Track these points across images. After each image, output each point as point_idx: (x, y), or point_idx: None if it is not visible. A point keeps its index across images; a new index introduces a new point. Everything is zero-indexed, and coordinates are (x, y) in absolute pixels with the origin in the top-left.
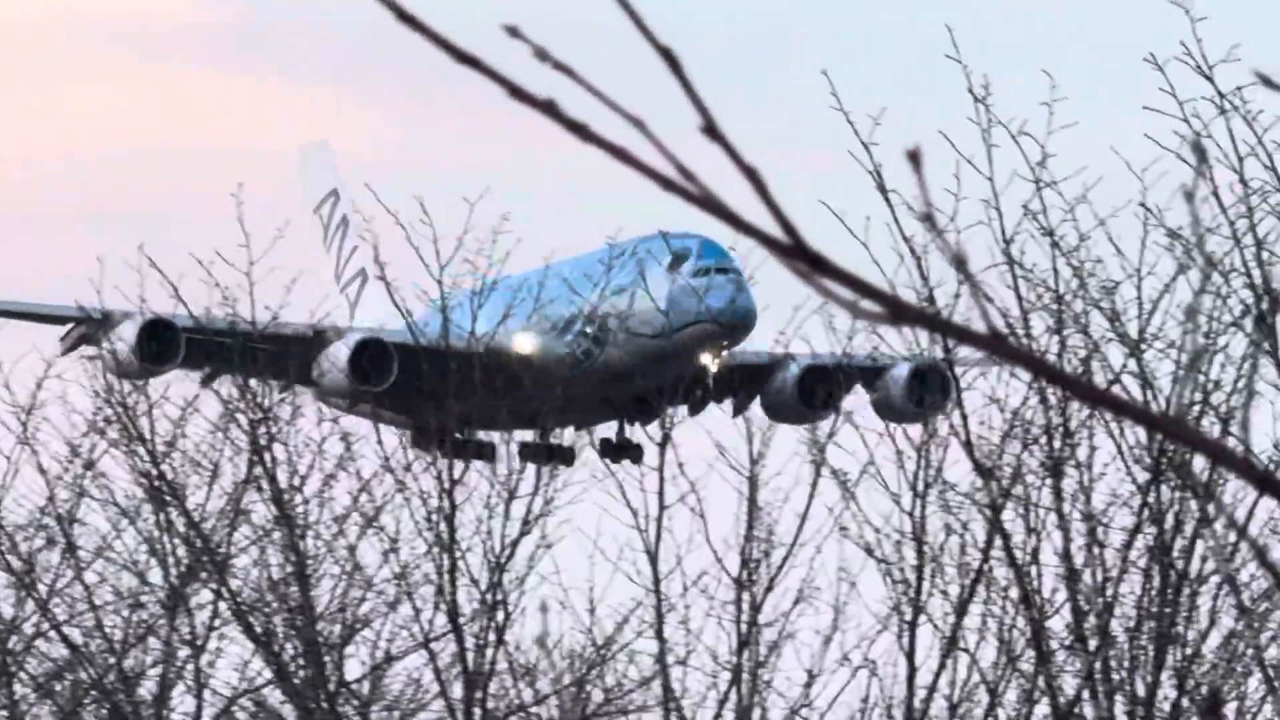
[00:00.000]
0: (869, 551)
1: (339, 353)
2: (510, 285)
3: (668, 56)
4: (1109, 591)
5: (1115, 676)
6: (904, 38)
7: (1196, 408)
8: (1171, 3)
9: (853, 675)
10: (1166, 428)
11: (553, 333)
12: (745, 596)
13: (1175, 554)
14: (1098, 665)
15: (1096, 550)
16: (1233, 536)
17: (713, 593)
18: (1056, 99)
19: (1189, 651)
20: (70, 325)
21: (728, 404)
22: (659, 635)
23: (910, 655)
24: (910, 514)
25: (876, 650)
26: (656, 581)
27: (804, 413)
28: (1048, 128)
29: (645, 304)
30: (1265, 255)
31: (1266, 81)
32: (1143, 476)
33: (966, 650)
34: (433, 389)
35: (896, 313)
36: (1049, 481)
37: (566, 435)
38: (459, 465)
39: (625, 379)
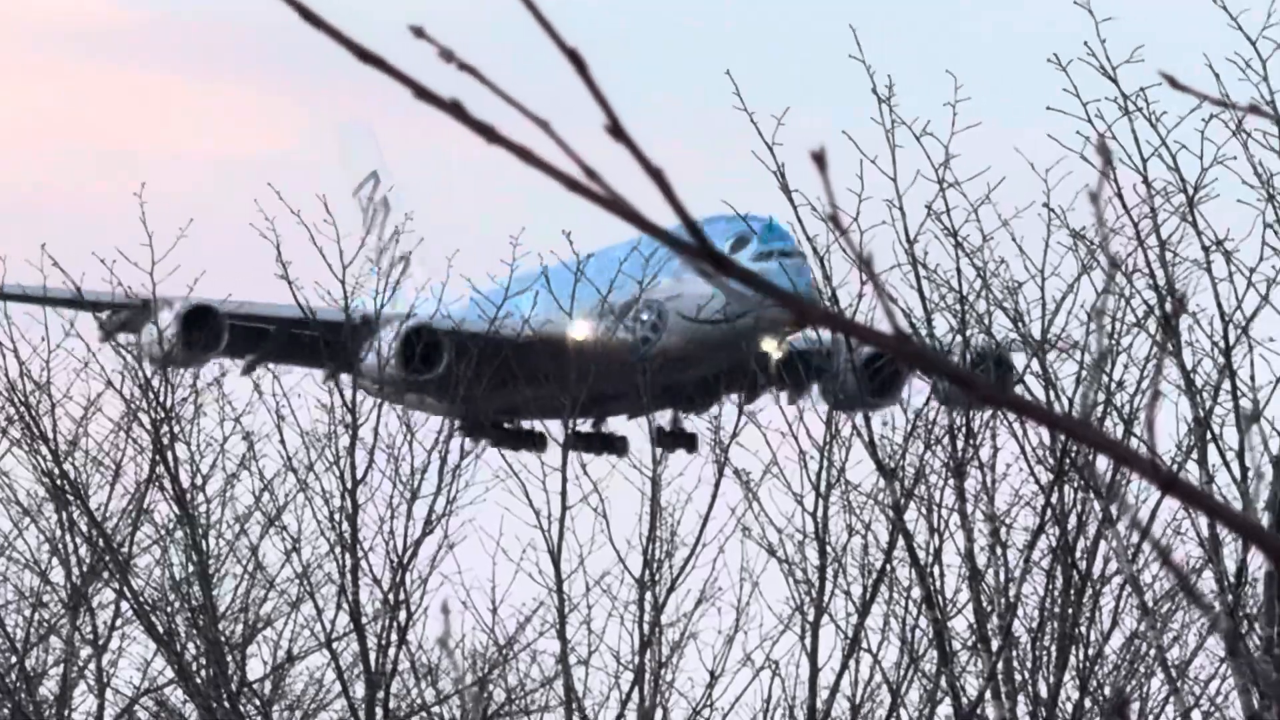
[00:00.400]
0: (771, 552)
1: (388, 340)
2: (560, 271)
3: (574, 58)
4: (1011, 592)
5: (1018, 677)
6: (807, 39)
7: (1100, 409)
8: (1075, 4)
9: (755, 675)
10: (1069, 428)
11: (610, 319)
12: (648, 596)
13: (1078, 555)
14: (1000, 665)
15: (999, 551)
16: (1135, 537)
17: (615, 593)
18: (960, 100)
19: (1092, 652)
20: (108, 312)
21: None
22: (561, 635)
23: (813, 655)
24: (813, 514)
25: (779, 650)
26: (559, 581)
27: (866, 400)
28: (951, 128)
29: (706, 288)
30: (1169, 256)
31: (1172, 82)
32: (1045, 477)
33: (869, 650)
34: (485, 377)
35: (801, 314)
36: (951, 482)
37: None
38: (509, 452)
39: (685, 366)
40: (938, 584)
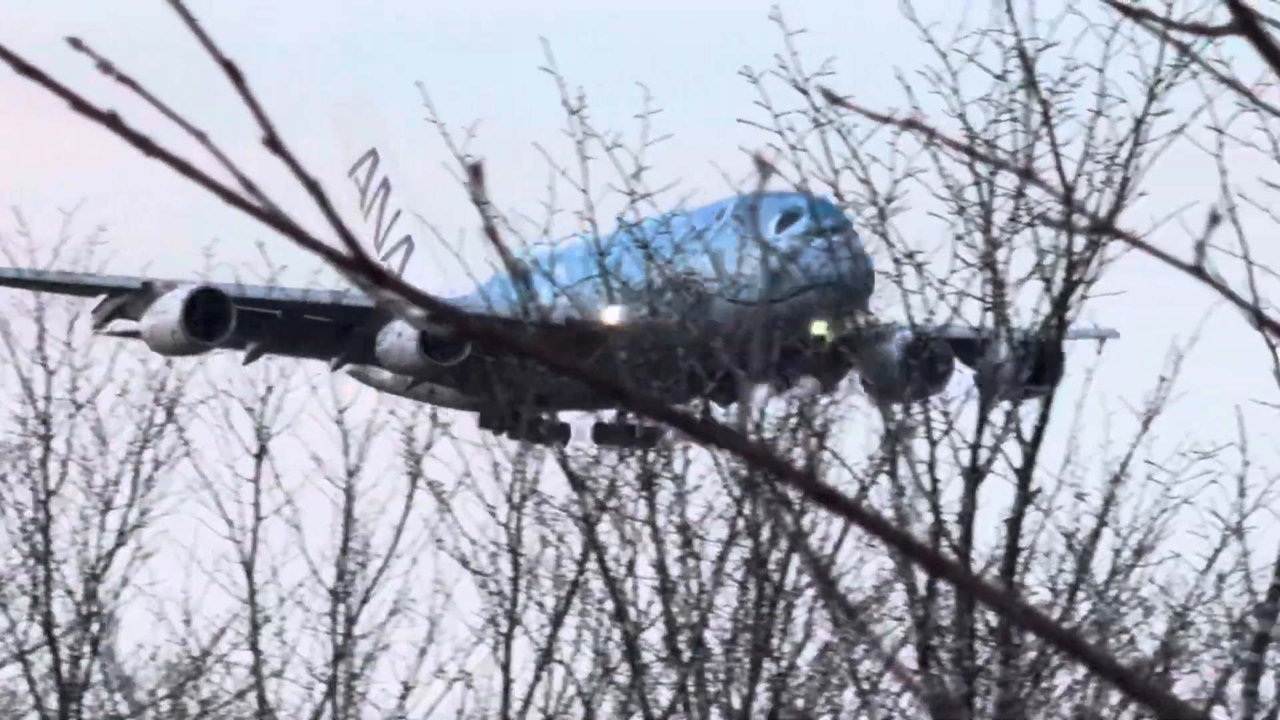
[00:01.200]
0: (465, 563)
1: (409, 325)
2: (584, 251)
3: (230, 69)
4: (704, 603)
5: (711, 688)
6: (498, 49)
7: (788, 431)
8: (770, 17)
9: (449, 687)
10: (755, 455)
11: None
12: (341, 608)
13: (771, 566)
14: (692, 677)
15: (692, 562)
16: (828, 550)
17: (308, 604)
18: (652, 111)
19: (785, 664)
20: (103, 297)
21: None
22: (254, 647)
23: (505, 667)
24: (506, 526)
25: (472, 662)
26: (252, 593)
27: (911, 389)
28: (643, 140)
29: (750, 268)
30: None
31: (831, 98)
32: (737, 490)
33: (562, 662)
34: (505, 366)
35: (461, 328)
36: (643, 493)
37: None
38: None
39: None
40: (630, 596)
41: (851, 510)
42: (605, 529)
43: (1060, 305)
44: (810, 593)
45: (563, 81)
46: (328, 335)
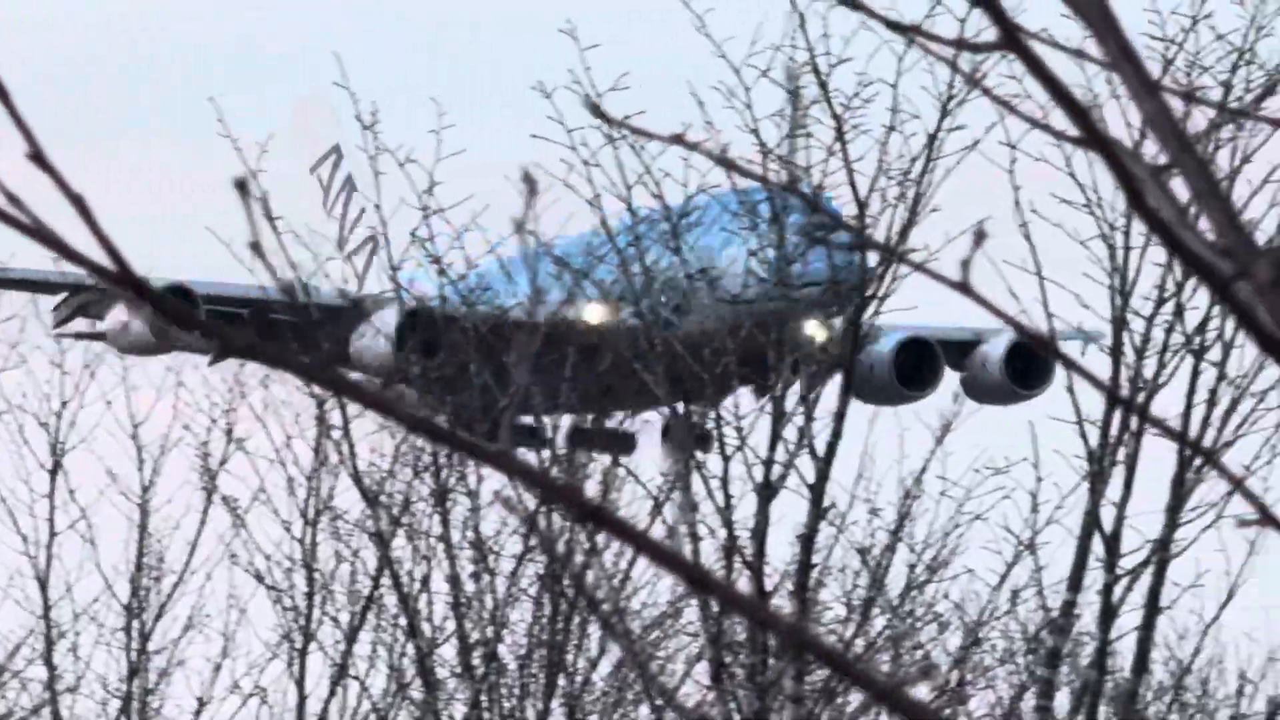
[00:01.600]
0: (259, 579)
1: (385, 323)
2: (569, 247)
3: None
4: (498, 619)
5: (505, 704)
6: (292, 65)
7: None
8: (561, 31)
9: (243, 703)
10: (535, 480)
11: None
12: (135, 624)
13: (566, 582)
14: (487, 692)
15: (486, 578)
16: (624, 565)
17: (103, 620)
18: (445, 126)
19: (580, 679)
20: (64, 295)
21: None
22: (48, 663)
23: (300, 682)
24: (301, 541)
25: (267, 677)
26: (46, 609)
27: (900, 392)
28: (436, 155)
29: (739, 265)
30: (654, 283)
31: (599, 114)
32: (531, 504)
33: (357, 678)
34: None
35: (224, 346)
36: (438, 509)
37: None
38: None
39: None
40: (425, 611)
41: (638, 539)
42: (400, 544)
43: (854, 320)
44: (605, 608)
45: (356, 97)
46: (293, 336)
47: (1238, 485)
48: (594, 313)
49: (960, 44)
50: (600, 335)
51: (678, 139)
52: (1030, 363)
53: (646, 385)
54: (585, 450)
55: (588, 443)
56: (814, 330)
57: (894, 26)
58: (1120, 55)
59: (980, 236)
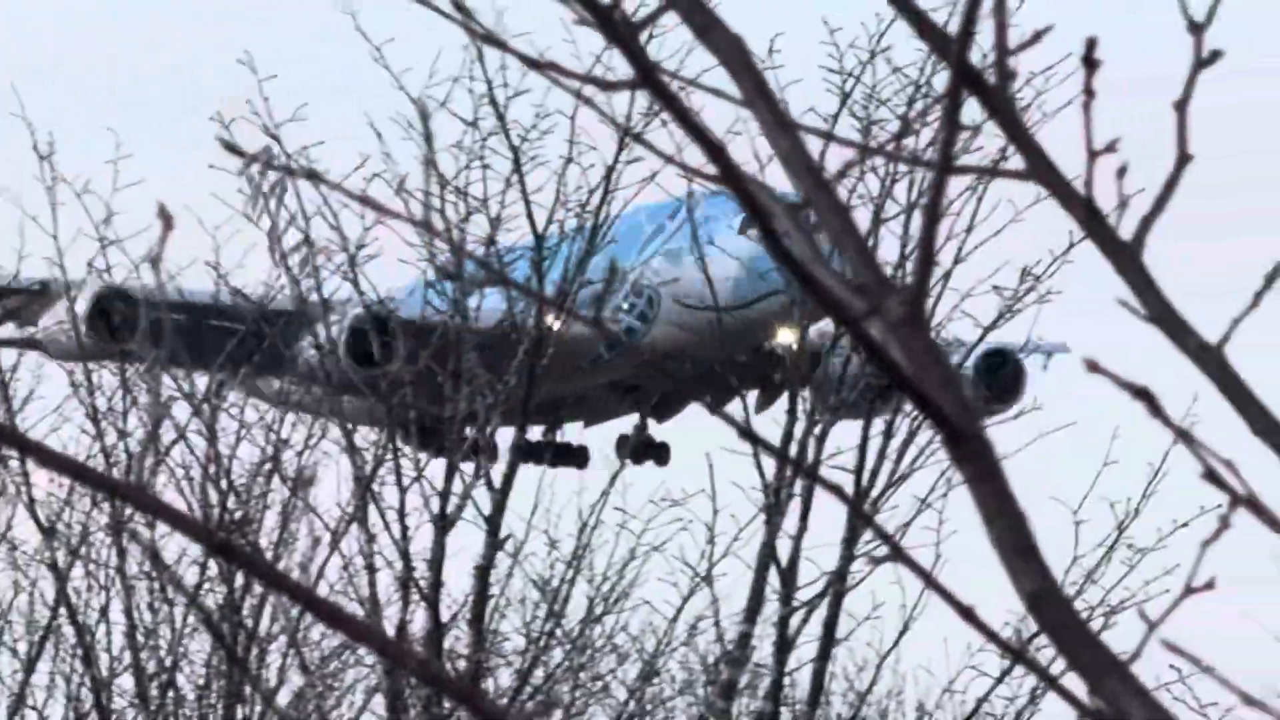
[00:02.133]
0: None
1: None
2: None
3: None
4: (176, 650)
5: None
6: None
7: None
8: (239, 61)
9: None
10: (127, 494)
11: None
12: None
13: (245, 613)
14: None
15: (165, 608)
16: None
17: None
18: (123, 156)
19: (259, 710)
20: None
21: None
22: None
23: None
24: None
25: None
26: None
27: (871, 406)
28: (114, 185)
29: (707, 271)
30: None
31: (230, 148)
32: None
33: (35, 708)
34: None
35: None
36: (114, 540)
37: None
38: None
39: (675, 362)
40: (104, 641)
41: (268, 574)
42: (79, 575)
43: (532, 353)
44: (284, 639)
45: (33, 127)
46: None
47: (881, 531)
48: (550, 319)
49: (593, 80)
50: (562, 343)
51: (312, 175)
52: (994, 374)
53: (608, 395)
54: (534, 463)
55: (538, 456)
56: (786, 338)
57: (528, 62)
58: (755, 93)
59: (614, 272)
